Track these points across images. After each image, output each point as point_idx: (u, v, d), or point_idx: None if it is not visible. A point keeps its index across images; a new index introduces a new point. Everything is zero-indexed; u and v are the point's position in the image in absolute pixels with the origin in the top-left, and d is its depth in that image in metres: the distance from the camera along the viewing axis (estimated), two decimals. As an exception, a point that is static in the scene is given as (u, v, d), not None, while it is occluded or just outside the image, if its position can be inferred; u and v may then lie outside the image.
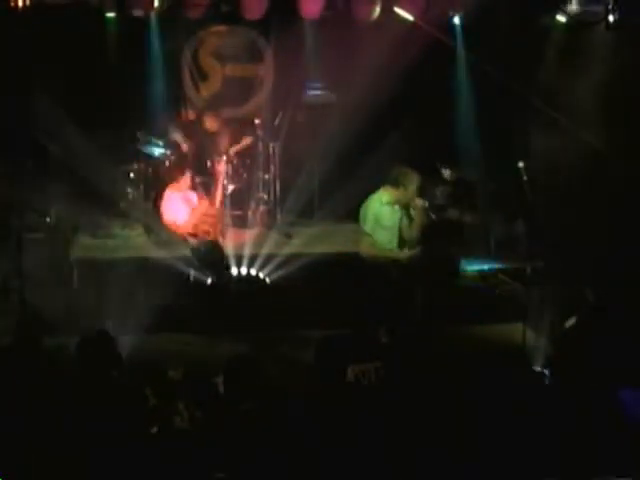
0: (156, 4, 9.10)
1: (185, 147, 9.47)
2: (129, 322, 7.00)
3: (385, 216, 7.45)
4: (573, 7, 9.26)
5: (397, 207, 7.47)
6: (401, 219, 7.52)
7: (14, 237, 7.84)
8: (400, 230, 7.52)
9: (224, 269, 8.17)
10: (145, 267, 8.18)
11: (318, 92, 10.41)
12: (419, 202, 7.49)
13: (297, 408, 4.63)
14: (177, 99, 10.43)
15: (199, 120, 9.86)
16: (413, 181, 7.40)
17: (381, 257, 7.46)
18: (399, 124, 9.19)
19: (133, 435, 4.38)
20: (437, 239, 7.89)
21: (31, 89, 9.07)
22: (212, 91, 10.63)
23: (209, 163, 9.42)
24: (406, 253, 7.53)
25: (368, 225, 7.48)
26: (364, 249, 7.57)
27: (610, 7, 8.88)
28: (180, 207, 8.53)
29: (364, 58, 9.37)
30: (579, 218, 8.31)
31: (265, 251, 8.49)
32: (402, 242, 7.56)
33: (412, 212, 7.51)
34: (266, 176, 9.79)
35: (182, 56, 10.47)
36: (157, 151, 9.39)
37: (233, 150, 9.64)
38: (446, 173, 9.30)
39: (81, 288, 8.04)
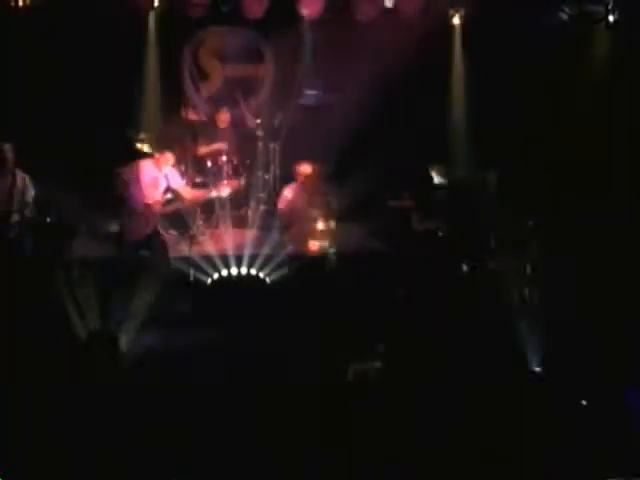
0: (156, 4, 9.12)
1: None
2: (129, 322, 7.00)
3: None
4: (573, 7, 9.29)
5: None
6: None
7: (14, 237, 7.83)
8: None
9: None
10: (145, 267, 8.17)
11: (318, 92, 10.42)
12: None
13: (296, 407, 4.64)
14: (177, 99, 10.45)
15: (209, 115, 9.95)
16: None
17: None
18: (398, 124, 9.19)
19: (134, 434, 4.39)
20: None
21: (30, 89, 9.08)
22: (212, 91, 10.64)
23: (209, 163, 9.41)
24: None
25: None
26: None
27: (610, 7, 8.92)
28: (144, 182, 8.14)
29: (364, 58, 9.39)
30: (579, 218, 8.33)
31: (265, 251, 8.48)
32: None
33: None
34: (266, 176, 9.79)
35: (182, 56, 10.48)
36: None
37: (201, 152, 9.59)
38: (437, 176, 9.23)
39: (81, 288, 8.03)
